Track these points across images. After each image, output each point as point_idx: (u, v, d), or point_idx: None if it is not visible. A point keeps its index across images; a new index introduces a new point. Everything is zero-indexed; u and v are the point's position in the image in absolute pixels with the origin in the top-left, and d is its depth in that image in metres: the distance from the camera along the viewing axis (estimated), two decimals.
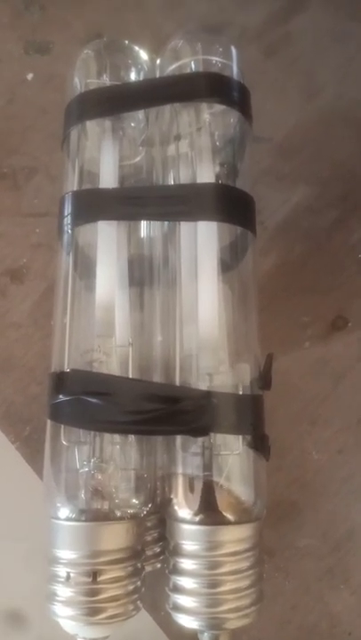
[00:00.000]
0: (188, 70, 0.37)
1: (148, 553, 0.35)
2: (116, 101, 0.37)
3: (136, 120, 0.38)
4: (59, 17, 0.49)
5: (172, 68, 0.37)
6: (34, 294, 0.44)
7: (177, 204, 0.34)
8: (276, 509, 0.40)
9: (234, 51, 0.38)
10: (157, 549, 0.36)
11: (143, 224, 0.38)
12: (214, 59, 0.37)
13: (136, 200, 0.35)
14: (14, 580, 0.39)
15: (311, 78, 0.48)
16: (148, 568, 0.35)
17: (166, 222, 0.36)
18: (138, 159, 0.39)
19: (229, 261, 0.36)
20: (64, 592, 0.30)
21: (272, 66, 0.48)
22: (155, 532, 0.36)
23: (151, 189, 0.37)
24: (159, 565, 0.35)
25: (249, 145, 0.39)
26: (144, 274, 0.37)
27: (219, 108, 0.37)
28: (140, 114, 0.38)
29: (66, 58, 0.42)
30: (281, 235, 0.45)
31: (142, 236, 0.37)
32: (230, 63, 0.37)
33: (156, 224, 0.37)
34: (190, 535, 0.31)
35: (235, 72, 0.37)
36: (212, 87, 0.36)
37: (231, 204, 0.35)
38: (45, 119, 0.47)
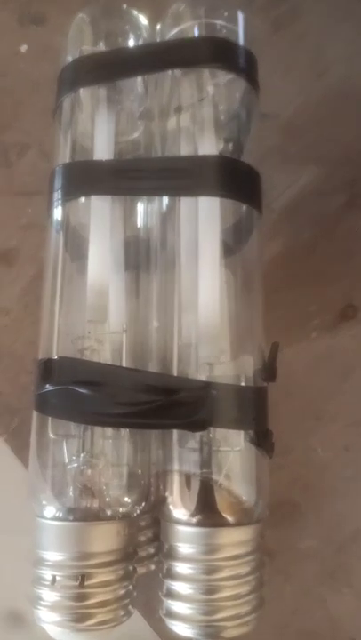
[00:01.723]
0: (190, 35, 0.34)
1: (142, 554, 0.33)
2: (111, 67, 0.34)
3: (134, 92, 0.36)
4: None
5: (172, 34, 0.34)
6: (24, 278, 0.42)
7: (177, 177, 0.32)
8: (278, 509, 0.38)
9: (240, 15, 0.35)
10: (152, 550, 0.34)
11: (140, 203, 0.35)
12: (219, 23, 0.34)
13: (132, 173, 0.32)
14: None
15: (320, 54, 0.46)
16: (142, 570, 0.33)
17: (165, 200, 0.34)
18: (136, 134, 0.36)
19: (233, 244, 0.34)
20: (50, 596, 0.28)
21: (279, 40, 0.46)
22: (149, 532, 0.34)
23: (149, 162, 0.35)
24: (153, 567, 0.33)
25: (255, 119, 0.36)
26: (140, 256, 0.34)
27: (223, 78, 0.35)
28: (139, 85, 0.36)
29: (62, 28, 0.39)
30: (288, 219, 0.43)
31: (139, 215, 0.35)
32: (236, 28, 0.35)
33: (155, 202, 0.35)
34: (186, 537, 0.29)
35: (241, 38, 0.35)
36: (216, 52, 0.33)
37: (236, 179, 0.32)
38: (39, 93, 0.45)
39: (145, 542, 0.33)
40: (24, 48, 0.46)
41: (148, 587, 0.32)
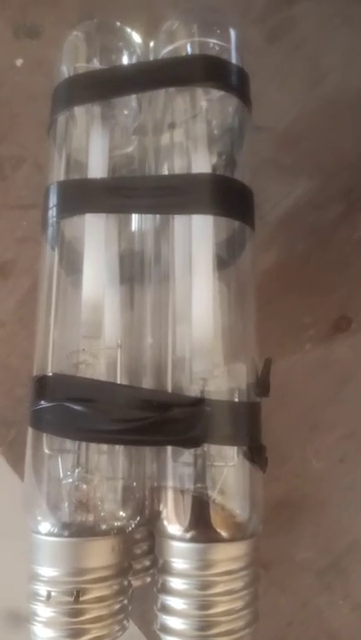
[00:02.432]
0: (184, 53, 0.34)
1: (137, 567, 0.33)
2: (106, 85, 0.34)
3: (128, 107, 0.36)
4: None
5: (166, 51, 0.35)
6: (19, 291, 0.42)
7: (170, 195, 0.32)
8: (273, 520, 0.38)
9: (233, 33, 0.35)
10: (147, 563, 0.34)
11: (134, 217, 0.35)
12: (212, 41, 0.34)
13: (126, 191, 0.32)
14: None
15: (316, 64, 0.46)
16: (137, 582, 0.33)
17: (159, 215, 0.34)
18: (130, 149, 0.37)
19: (226, 257, 0.34)
20: (45, 612, 0.28)
21: (274, 51, 0.46)
22: (144, 545, 0.34)
23: (143, 180, 0.35)
24: (149, 579, 0.33)
25: (248, 134, 0.36)
26: (134, 270, 0.35)
27: (216, 94, 0.35)
28: (133, 100, 0.36)
29: (57, 42, 0.39)
30: (282, 230, 0.43)
31: (133, 230, 0.35)
32: (229, 46, 0.35)
33: (149, 217, 0.35)
34: (180, 553, 0.29)
35: (233, 55, 0.35)
36: (209, 71, 0.33)
37: (229, 197, 0.33)
38: (35, 106, 0.45)
39: (140, 555, 0.33)
40: (19, 62, 0.46)
41: (143, 599, 0.32)
